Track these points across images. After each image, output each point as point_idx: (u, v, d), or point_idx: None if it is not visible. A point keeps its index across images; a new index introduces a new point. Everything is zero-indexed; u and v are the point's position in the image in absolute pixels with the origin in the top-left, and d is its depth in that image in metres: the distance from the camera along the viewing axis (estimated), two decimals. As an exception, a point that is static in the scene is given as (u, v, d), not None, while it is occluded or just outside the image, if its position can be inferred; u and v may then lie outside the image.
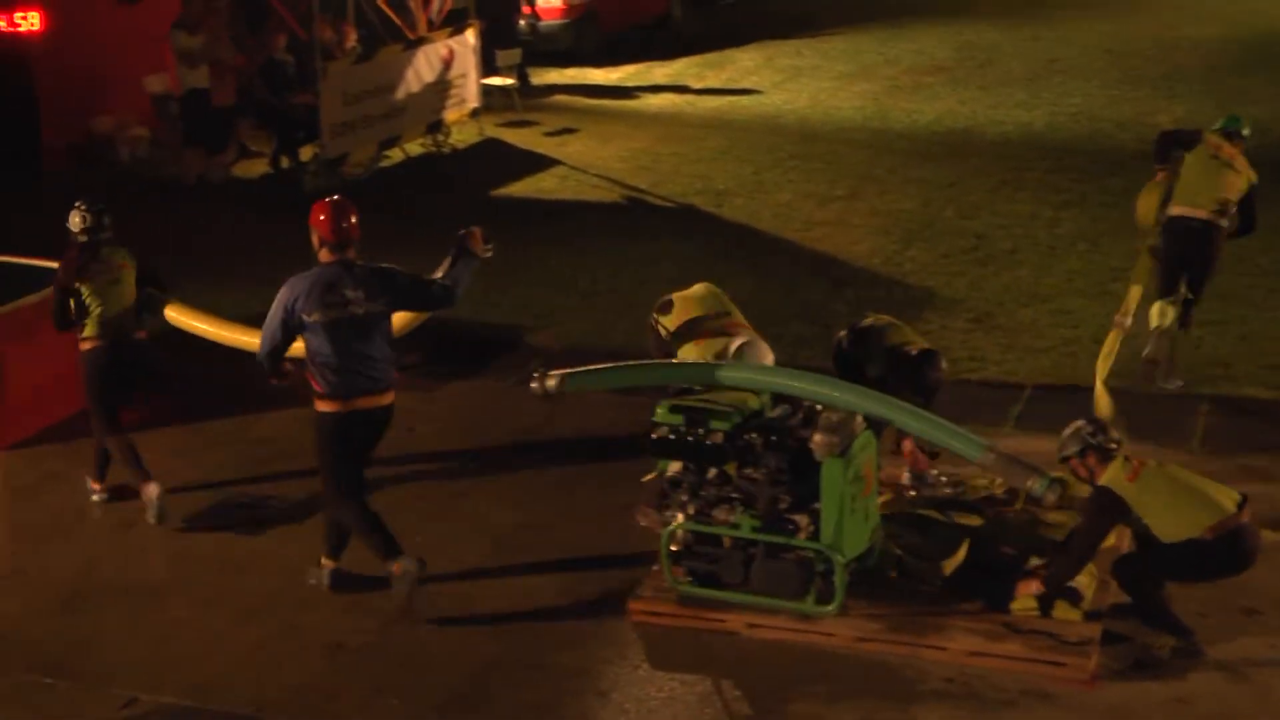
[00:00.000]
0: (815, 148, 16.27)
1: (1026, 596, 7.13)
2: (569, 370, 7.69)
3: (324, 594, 7.70)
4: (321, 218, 7.44)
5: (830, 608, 7.18)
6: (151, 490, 8.37)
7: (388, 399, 7.55)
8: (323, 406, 7.45)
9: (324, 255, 7.45)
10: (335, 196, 7.59)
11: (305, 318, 7.33)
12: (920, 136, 16.63)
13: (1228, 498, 6.95)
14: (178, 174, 15.34)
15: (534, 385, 7.65)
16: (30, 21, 14.50)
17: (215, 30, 15.06)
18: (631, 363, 8.00)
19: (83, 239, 8.64)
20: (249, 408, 9.95)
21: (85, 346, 8.58)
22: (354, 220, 7.47)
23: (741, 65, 20.72)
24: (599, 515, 8.38)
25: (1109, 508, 6.95)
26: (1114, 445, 7.09)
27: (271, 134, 15.91)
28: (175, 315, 9.09)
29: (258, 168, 15.89)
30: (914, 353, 8.25)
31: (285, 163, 15.74)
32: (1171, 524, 6.84)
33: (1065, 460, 7.20)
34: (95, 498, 8.71)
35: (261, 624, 7.44)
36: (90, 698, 6.88)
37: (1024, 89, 18.69)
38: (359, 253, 7.50)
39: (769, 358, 7.90)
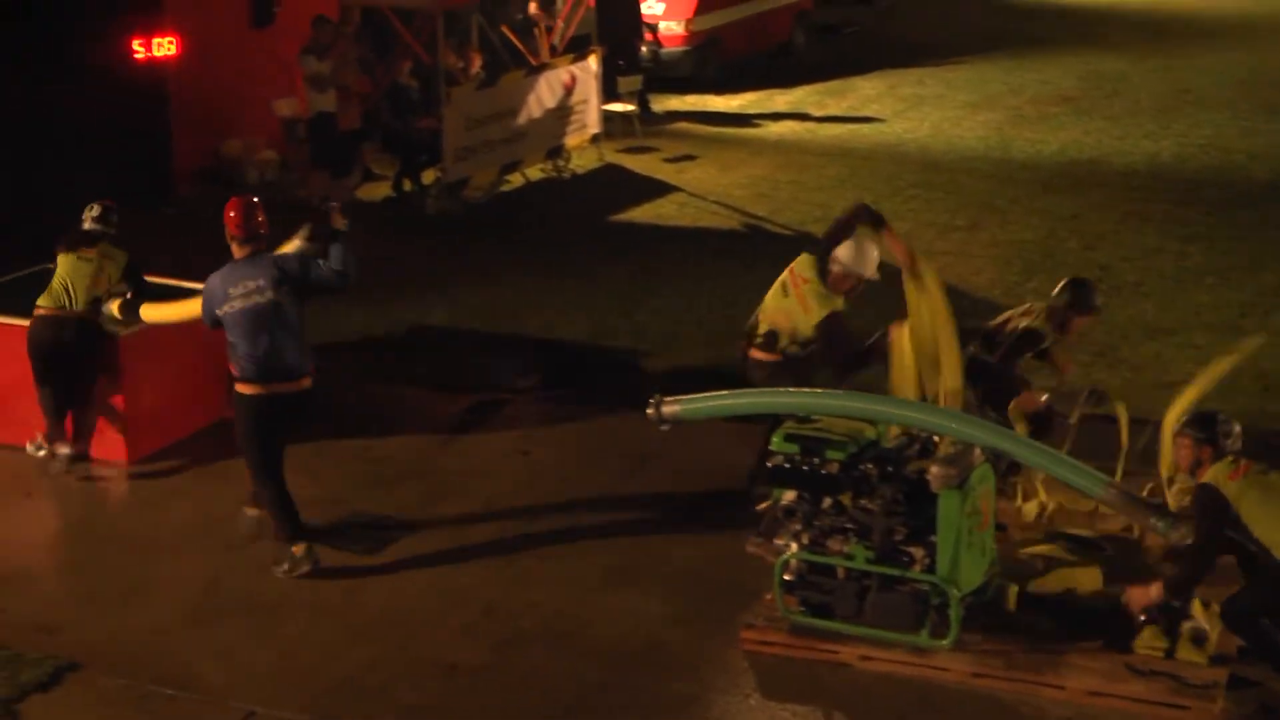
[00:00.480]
0: (937, 177, 16.18)
1: (1152, 636, 7.02)
2: (685, 398, 7.75)
3: (438, 615, 7.80)
4: (231, 214, 8.18)
5: (945, 642, 7.13)
6: None
7: (304, 384, 8.14)
8: (241, 389, 8.05)
9: (234, 250, 8.15)
10: (244, 195, 8.35)
11: (218, 311, 8.00)
12: (1044, 167, 16.45)
13: None
14: (304, 196, 15.65)
15: (650, 412, 7.72)
16: (167, 46, 14.88)
17: (344, 55, 15.37)
18: (748, 390, 8.03)
19: (84, 225, 9.54)
20: (371, 429, 10.12)
21: (34, 313, 9.35)
22: (260, 218, 8.18)
23: (863, 93, 20.66)
24: (712, 543, 8.39)
25: (1209, 505, 6.84)
26: (1234, 450, 6.96)
27: (395, 158, 16.18)
28: (149, 313, 9.38)
29: (381, 191, 16.16)
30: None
31: (408, 186, 15.99)
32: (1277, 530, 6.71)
33: (1182, 433, 7.07)
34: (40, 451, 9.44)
35: (377, 642, 7.56)
36: (211, 710, 7.03)
37: (1152, 119, 18.42)
38: (270, 247, 8.21)
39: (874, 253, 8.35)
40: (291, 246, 8.45)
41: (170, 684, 7.21)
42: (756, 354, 8.47)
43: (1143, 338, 11.25)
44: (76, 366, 9.41)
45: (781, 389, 8.03)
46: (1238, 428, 7.08)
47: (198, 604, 7.98)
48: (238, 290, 8.06)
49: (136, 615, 7.88)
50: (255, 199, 8.34)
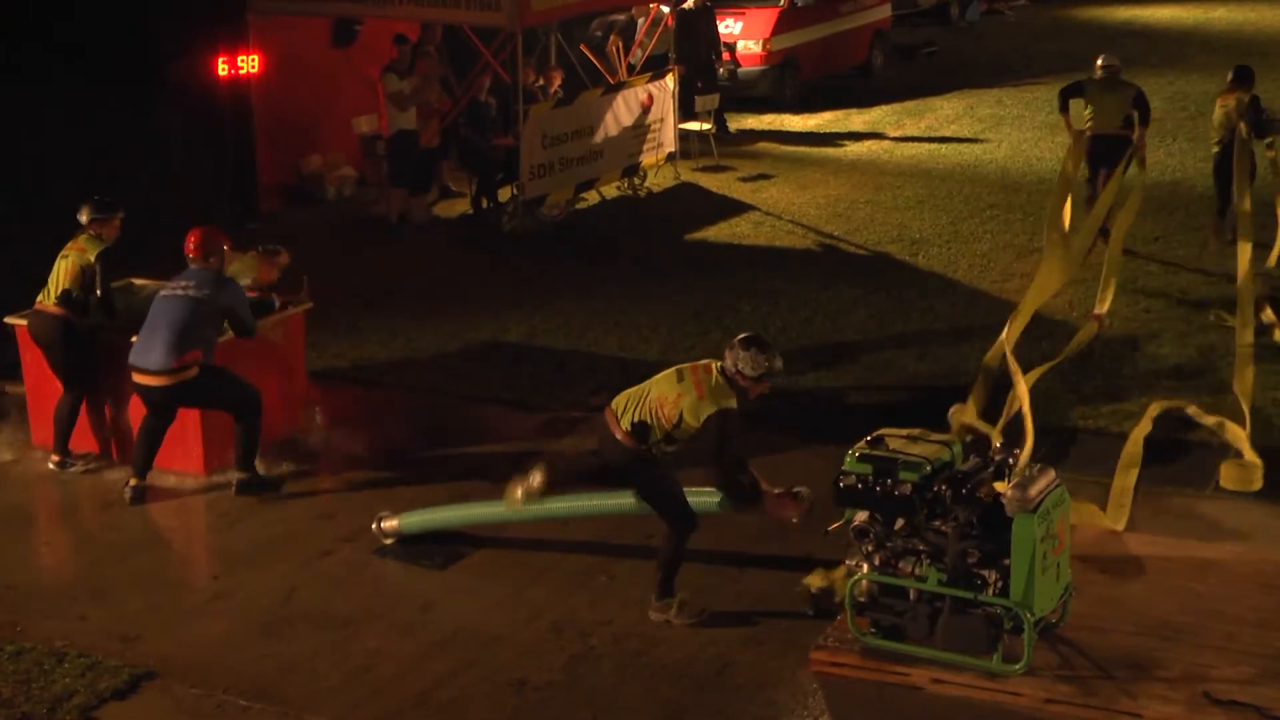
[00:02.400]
0: (1015, 198, 16.08)
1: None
2: (406, 513, 8.62)
3: (509, 631, 7.85)
4: (191, 240, 9.38)
5: (1018, 666, 7.08)
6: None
7: (158, 380, 9.05)
8: None
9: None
10: (207, 226, 9.54)
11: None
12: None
13: None
14: (382, 212, 15.84)
15: (374, 528, 8.65)
16: (251, 64, 15.11)
17: (426, 74, 15.53)
18: (459, 505, 8.76)
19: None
20: (445, 444, 10.21)
21: None
22: (218, 243, 9.39)
23: (941, 113, 20.58)
24: (783, 563, 8.38)
25: None
26: None
27: (472, 175, 16.33)
28: None
29: (458, 207, 16.31)
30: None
31: (485, 203, 16.13)
32: None
33: None
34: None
35: (449, 657, 7.62)
36: (284, 721, 7.13)
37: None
38: (217, 264, 9.37)
39: None
40: (242, 277, 9.65)
41: (244, 695, 7.30)
42: (623, 438, 7.77)
43: (1225, 362, 11.09)
44: (51, 362, 9.72)
45: (483, 504, 8.56)
46: None
47: (273, 616, 8.08)
48: (171, 285, 9.25)
49: (212, 626, 7.99)
50: (216, 228, 9.53)
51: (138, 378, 9.12)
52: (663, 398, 7.69)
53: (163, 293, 9.28)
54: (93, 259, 9.66)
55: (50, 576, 8.67)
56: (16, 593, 8.34)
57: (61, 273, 9.71)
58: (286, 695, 7.31)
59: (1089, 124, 14.08)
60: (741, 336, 7.78)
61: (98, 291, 9.65)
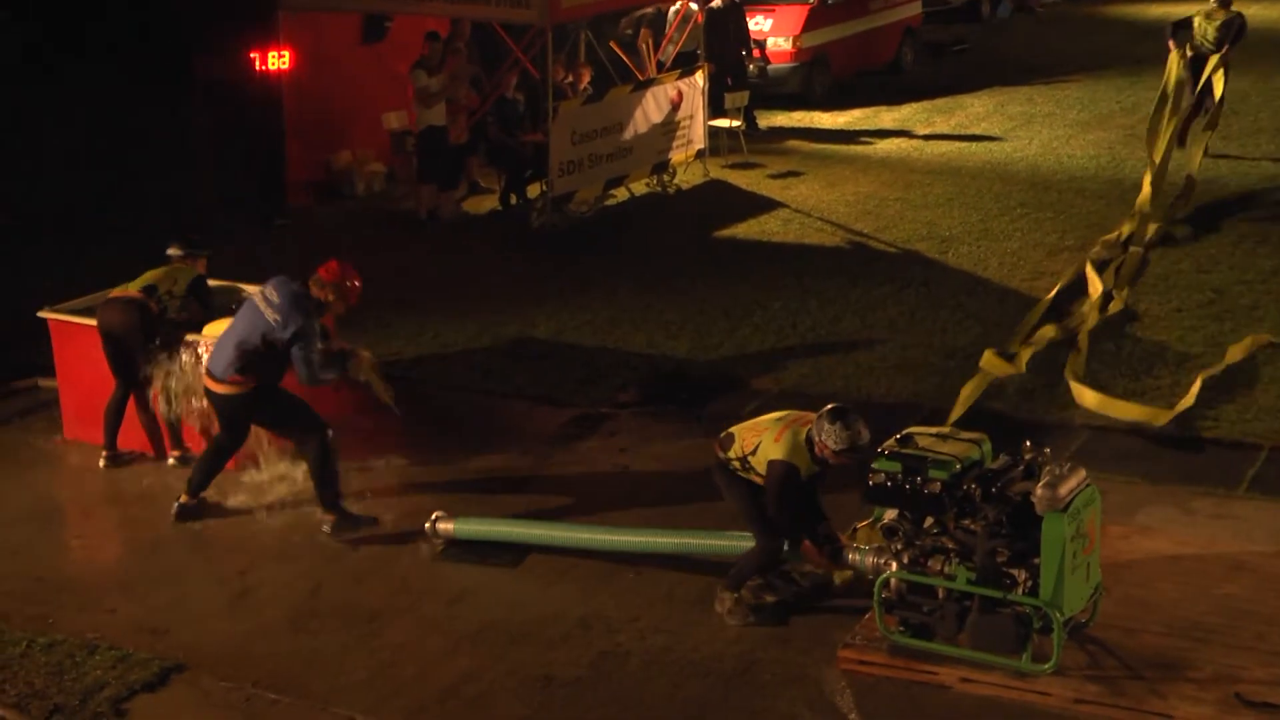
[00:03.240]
0: (1046, 196, 16.02)
1: None
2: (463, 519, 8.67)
3: (536, 627, 7.86)
4: (357, 283, 9.14)
5: (1047, 666, 7.06)
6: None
7: (216, 388, 8.83)
8: None
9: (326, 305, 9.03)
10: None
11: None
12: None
13: None
14: (411, 208, 15.89)
15: (426, 527, 8.70)
16: (281, 60, 15.18)
17: (455, 71, 15.57)
18: (520, 520, 8.76)
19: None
20: (472, 441, 10.23)
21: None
22: (332, 267, 9.03)
23: (972, 111, 20.51)
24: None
25: None
26: None
27: (501, 171, 16.36)
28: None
29: (487, 204, 16.34)
30: None
31: (513, 200, 16.16)
32: None
33: None
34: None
35: (476, 653, 7.64)
36: (312, 716, 7.16)
37: (1272, 140, 18.09)
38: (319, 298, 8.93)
39: None
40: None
41: (273, 688, 7.34)
42: (716, 445, 7.89)
43: (1258, 362, 11.04)
44: (120, 354, 9.70)
45: (550, 524, 8.61)
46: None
47: (301, 610, 8.12)
48: (260, 290, 8.91)
49: (241, 620, 8.04)
50: (356, 272, 9.13)
51: (204, 380, 8.97)
52: (757, 425, 7.77)
53: (251, 297, 9.00)
54: (185, 283, 9.79)
55: (80, 570, 8.73)
56: (47, 585, 8.41)
57: (149, 275, 9.83)
58: (313, 689, 7.35)
59: (1191, 48, 16.73)
60: (829, 408, 7.52)
61: (182, 311, 9.75)
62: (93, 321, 9.86)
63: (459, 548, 8.68)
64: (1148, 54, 23.89)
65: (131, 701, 7.25)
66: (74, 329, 10.07)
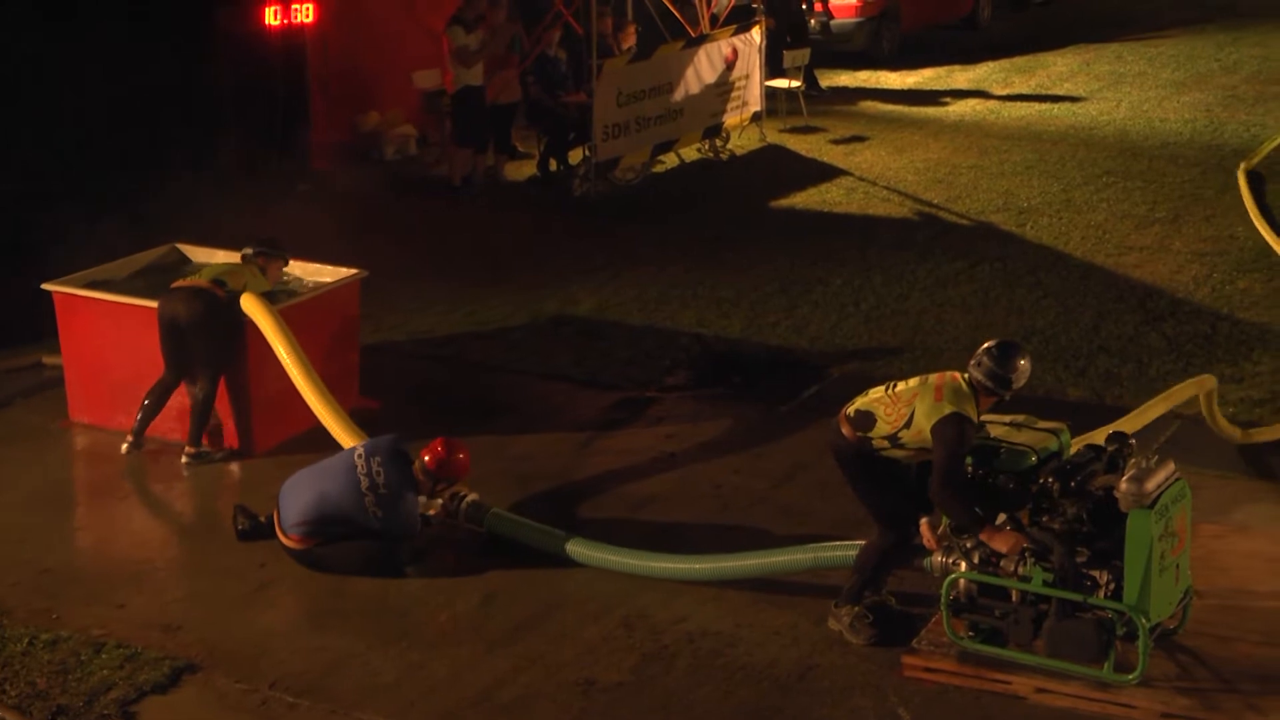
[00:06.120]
0: (1135, 164, 15.90)
1: None
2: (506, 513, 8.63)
3: (576, 626, 7.87)
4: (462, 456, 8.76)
5: (1132, 676, 7.01)
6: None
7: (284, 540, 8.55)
8: None
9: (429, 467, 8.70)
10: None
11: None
12: (1261, 154, 16.05)
13: None
14: (445, 174, 15.92)
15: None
16: (305, 14, 15.20)
17: (494, 27, 15.56)
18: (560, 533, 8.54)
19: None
20: (509, 425, 10.25)
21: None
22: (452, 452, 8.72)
23: (1054, 70, 20.38)
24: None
25: None
26: None
27: (542, 135, 16.36)
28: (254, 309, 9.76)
29: (526, 170, 16.36)
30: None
31: (554, 166, 16.17)
32: None
33: None
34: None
35: (511, 655, 7.65)
36: None
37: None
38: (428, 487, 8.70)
39: None
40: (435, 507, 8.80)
41: (291, 690, 7.38)
42: (843, 426, 7.61)
43: (1366, 346, 10.93)
44: (183, 345, 9.68)
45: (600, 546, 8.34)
46: None
47: (324, 607, 8.17)
48: (366, 451, 8.59)
49: (259, 616, 8.09)
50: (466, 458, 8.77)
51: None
52: (898, 395, 7.49)
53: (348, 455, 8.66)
54: (251, 287, 9.77)
55: (89, 560, 8.80)
56: (54, 577, 8.48)
57: (218, 268, 9.92)
58: (336, 692, 7.39)
59: None
60: (992, 343, 7.44)
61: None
62: (104, 295, 9.92)
63: (494, 539, 8.70)
64: (1252, 7, 23.68)
65: (140, 704, 7.30)
66: (81, 303, 10.14)
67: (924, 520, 7.49)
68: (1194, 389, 9.29)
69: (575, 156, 16.05)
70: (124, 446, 9.81)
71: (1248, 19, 22.85)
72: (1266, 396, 10.17)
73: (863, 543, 7.77)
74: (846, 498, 8.01)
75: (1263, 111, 17.73)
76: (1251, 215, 13.61)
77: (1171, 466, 7.17)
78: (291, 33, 15.16)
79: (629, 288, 12.71)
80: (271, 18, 14.93)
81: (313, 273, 10.59)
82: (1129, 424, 8.67)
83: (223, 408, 9.85)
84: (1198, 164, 15.81)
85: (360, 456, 8.52)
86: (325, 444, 9.23)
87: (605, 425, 10.28)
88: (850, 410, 7.62)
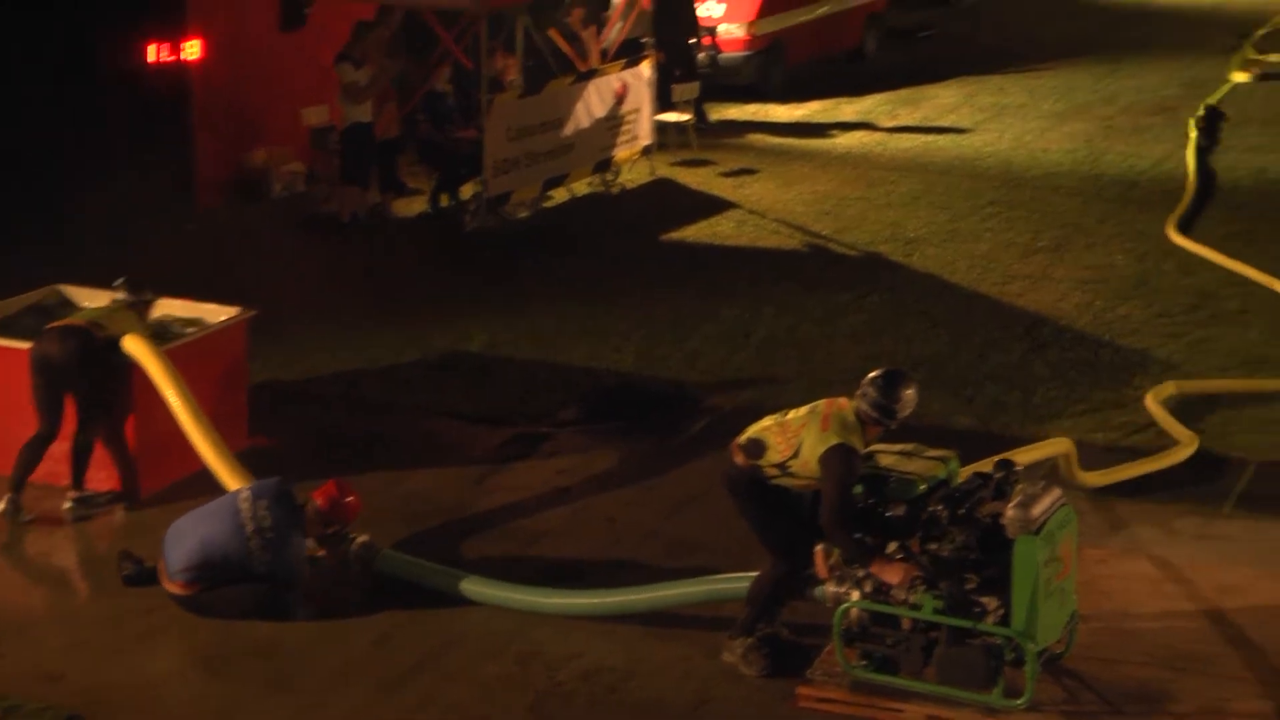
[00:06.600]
0: (1019, 194, 16.15)
1: None
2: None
3: (471, 665, 7.83)
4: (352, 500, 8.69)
5: (1020, 701, 7.09)
6: None
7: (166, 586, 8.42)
8: None
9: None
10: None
11: None
12: (1138, 183, 16.40)
13: None
14: (334, 210, 15.81)
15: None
16: (191, 49, 15.07)
17: (384, 63, 15.49)
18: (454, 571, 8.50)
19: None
20: (401, 463, 10.18)
21: None
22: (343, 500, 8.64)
23: (939, 102, 20.65)
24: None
25: None
26: None
27: (432, 170, 16.31)
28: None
29: (416, 206, 16.29)
30: None
31: (445, 201, 16.12)
32: None
33: None
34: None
35: (406, 697, 7.59)
36: (224, 764, 7.11)
37: (1260, 131, 18.32)
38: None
39: None
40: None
41: (182, 736, 7.28)
42: (735, 454, 7.67)
43: (1245, 371, 11.16)
44: (60, 390, 9.48)
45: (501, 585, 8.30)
46: None
47: (211, 653, 8.04)
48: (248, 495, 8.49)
49: (145, 664, 7.95)
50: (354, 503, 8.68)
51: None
52: (788, 424, 7.53)
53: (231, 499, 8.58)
54: (130, 329, 9.60)
55: (-32, 609, 8.62)
56: (-69, 627, 8.29)
57: (93, 311, 9.77)
58: (227, 737, 7.28)
59: None
60: (877, 373, 7.50)
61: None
62: None
63: (387, 576, 8.63)
64: (1127, 40, 24.19)
65: (23, 756, 7.16)
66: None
67: (818, 549, 7.54)
68: (1050, 451, 9.43)
69: (467, 192, 16.01)
70: (1, 505, 9.56)
71: (1124, 51, 23.33)
72: (1147, 422, 10.35)
73: (755, 574, 7.81)
74: (739, 529, 8.01)
75: (1139, 142, 18.09)
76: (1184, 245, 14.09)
77: (1057, 492, 7.28)
78: (176, 69, 15.03)
79: (521, 323, 12.69)
80: (154, 55, 14.79)
81: (200, 312, 10.47)
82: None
83: (108, 451, 9.69)
84: (1079, 193, 16.10)
85: (246, 500, 8.43)
86: (213, 487, 9.11)
87: (498, 461, 10.24)
88: (742, 438, 7.67)
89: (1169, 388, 10.65)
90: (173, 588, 8.36)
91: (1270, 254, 13.77)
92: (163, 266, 12.85)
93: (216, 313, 10.44)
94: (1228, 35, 23.92)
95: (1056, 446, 9.46)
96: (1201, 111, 18.58)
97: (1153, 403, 10.36)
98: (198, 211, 15.48)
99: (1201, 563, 8.50)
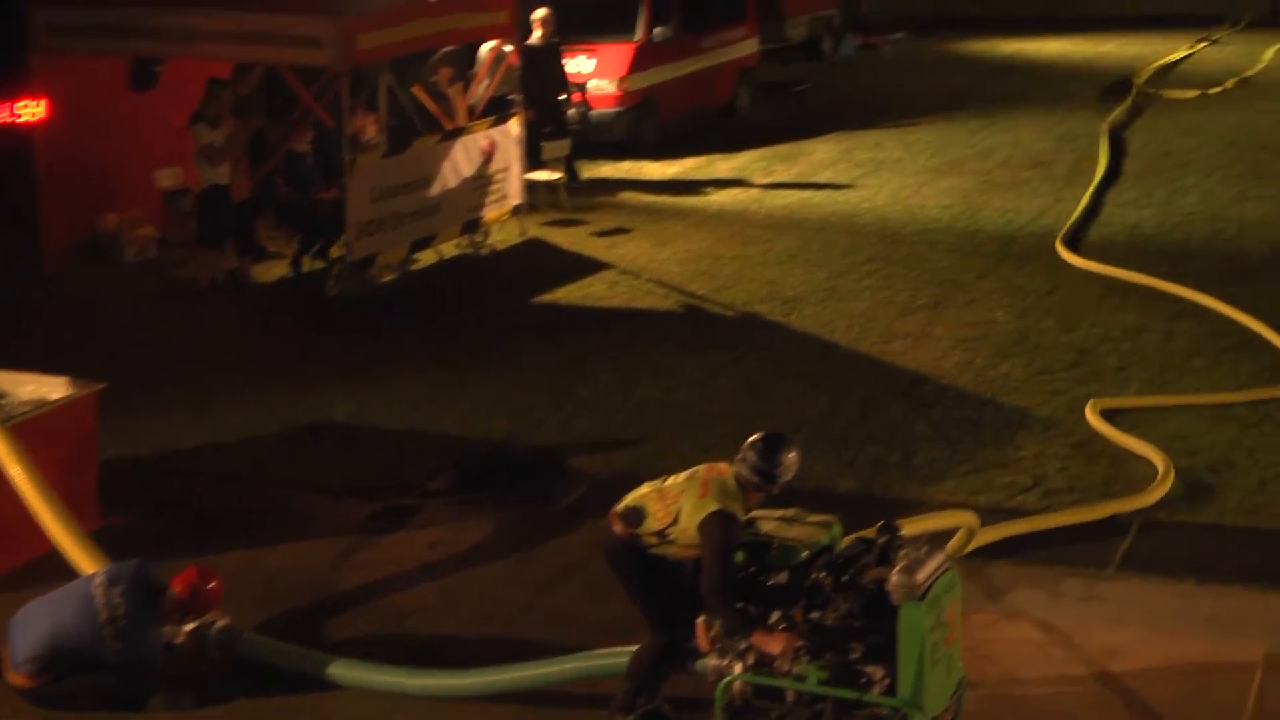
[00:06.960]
0: (897, 250, 16.34)
1: None
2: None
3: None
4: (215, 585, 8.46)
5: (909, 773, 7.07)
6: None
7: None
8: None
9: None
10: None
11: None
12: (1015, 238, 16.66)
13: None
14: (190, 275, 15.60)
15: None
16: (34, 111, 14.85)
17: (241, 123, 15.35)
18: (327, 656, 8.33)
19: None
20: (262, 538, 10.01)
21: None
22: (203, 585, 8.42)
23: (815, 158, 20.90)
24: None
25: None
26: None
27: (293, 233, 16.16)
28: None
29: (277, 270, 16.13)
30: None
31: (307, 265, 15.97)
32: None
33: None
34: None
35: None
36: None
37: (1134, 185, 18.73)
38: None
39: None
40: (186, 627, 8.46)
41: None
42: (613, 522, 7.60)
43: (1125, 428, 11.33)
44: None
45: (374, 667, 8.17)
46: None
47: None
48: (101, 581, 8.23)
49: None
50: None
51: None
52: (666, 491, 7.47)
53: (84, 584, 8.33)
54: None
55: None
56: None
57: None
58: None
59: None
60: (756, 437, 7.43)
61: None
62: None
63: (249, 661, 8.45)
64: (1001, 94, 24.68)
65: None
66: None
67: (699, 620, 7.49)
68: (960, 522, 9.53)
69: (336, 253, 15.87)
70: None
71: (997, 105, 23.80)
72: (1030, 481, 10.47)
73: (635, 648, 7.74)
74: (617, 600, 7.93)
75: (1016, 196, 18.41)
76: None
77: (942, 556, 7.30)
78: (17, 131, 14.78)
79: (388, 390, 12.57)
80: (-2, 114, 14.58)
81: (46, 386, 10.25)
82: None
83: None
84: (956, 250, 16.32)
85: (100, 585, 8.20)
86: (63, 570, 8.87)
87: (365, 535, 10.10)
88: (620, 506, 7.62)
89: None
90: (17, 680, 8.10)
91: (1149, 309, 14.04)
92: (6, 336, 12.59)
93: (63, 386, 10.22)
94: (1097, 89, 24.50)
95: (959, 518, 9.55)
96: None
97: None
98: (46, 277, 15.19)
99: (1088, 625, 8.57)
